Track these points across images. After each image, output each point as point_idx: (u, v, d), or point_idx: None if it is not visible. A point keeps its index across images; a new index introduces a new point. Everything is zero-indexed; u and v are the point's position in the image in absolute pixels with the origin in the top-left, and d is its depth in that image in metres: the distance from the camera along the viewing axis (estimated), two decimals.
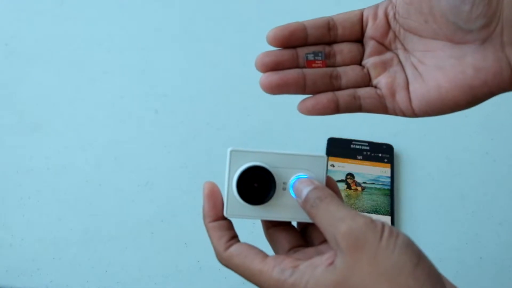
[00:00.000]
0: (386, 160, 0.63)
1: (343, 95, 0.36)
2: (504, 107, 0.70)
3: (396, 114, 0.36)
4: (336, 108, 0.35)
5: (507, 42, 0.31)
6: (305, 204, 0.32)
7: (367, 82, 0.37)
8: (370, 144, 0.65)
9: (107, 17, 0.83)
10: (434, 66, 0.34)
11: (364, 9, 0.37)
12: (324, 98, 0.35)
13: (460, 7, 0.31)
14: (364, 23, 0.37)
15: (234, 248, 0.32)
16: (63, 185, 0.63)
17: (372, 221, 0.29)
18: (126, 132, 0.68)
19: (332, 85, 0.36)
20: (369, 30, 0.36)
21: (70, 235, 0.59)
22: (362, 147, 0.64)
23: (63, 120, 0.69)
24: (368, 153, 0.64)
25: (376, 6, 0.37)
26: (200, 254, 0.57)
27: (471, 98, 0.34)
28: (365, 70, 0.37)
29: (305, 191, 0.33)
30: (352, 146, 0.65)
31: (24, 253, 0.57)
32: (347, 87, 0.36)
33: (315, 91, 0.35)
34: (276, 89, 0.34)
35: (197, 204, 0.61)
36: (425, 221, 0.60)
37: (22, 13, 0.83)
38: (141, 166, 0.65)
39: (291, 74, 0.35)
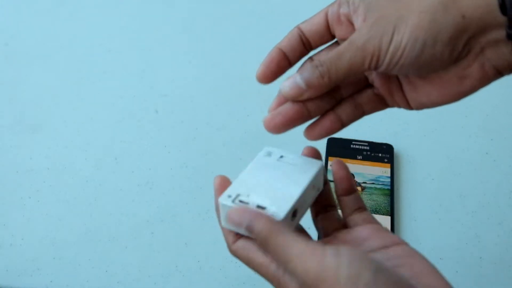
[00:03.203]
0: (386, 160, 0.63)
1: (344, 110, 0.36)
2: (504, 107, 0.70)
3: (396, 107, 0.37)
4: (342, 125, 0.36)
5: (485, 45, 0.30)
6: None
7: (364, 82, 0.37)
8: (370, 144, 0.65)
9: (107, 17, 0.83)
10: (420, 78, 0.34)
11: (328, 10, 0.36)
12: (327, 121, 0.36)
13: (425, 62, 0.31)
14: (331, 30, 0.36)
15: (241, 243, 0.33)
16: (63, 185, 0.63)
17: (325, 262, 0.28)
18: (126, 132, 0.68)
19: (335, 99, 0.36)
20: (339, 33, 0.36)
21: (70, 235, 0.59)
22: (362, 147, 0.64)
23: (63, 120, 0.69)
24: (368, 153, 0.64)
25: (339, 5, 0.35)
26: (200, 254, 0.57)
27: (463, 97, 0.34)
28: None
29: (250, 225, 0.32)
30: (352, 146, 0.65)
31: (24, 253, 0.57)
32: (347, 95, 0.36)
33: (320, 113, 0.36)
34: (283, 128, 0.34)
35: (197, 204, 0.61)
36: (425, 221, 0.60)
37: (22, 13, 0.83)
38: (141, 166, 0.65)
39: (292, 108, 0.34)
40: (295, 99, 0.34)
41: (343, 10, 0.35)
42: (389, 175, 0.62)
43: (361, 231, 0.35)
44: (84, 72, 0.75)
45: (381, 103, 0.37)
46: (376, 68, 0.32)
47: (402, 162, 0.64)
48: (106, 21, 0.82)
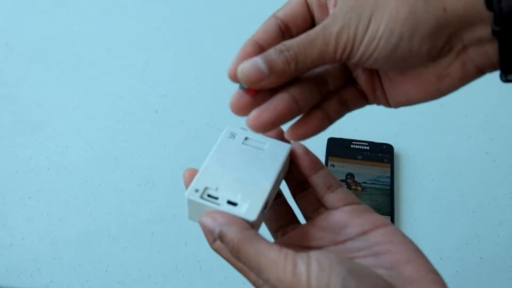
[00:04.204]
0: (386, 160, 0.63)
1: (332, 106, 0.33)
2: (504, 107, 0.70)
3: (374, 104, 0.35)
4: (329, 122, 0.34)
5: (468, 43, 0.28)
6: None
7: (347, 76, 0.34)
8: (370, 144, 0.65)
9: (107, 17, 0.83)
10: (397, 74, 0.32)
11: None
12: (315, 120, 0.33)
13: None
14: (312, 14, 0.33)
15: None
16: (63, 185, 0.63)
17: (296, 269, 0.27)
18: (126, 132, 0.68)
19: (321, 93, 0.33)
20: (318, 17, 0.32)
21: (70, 235, 0.59)
22: (362, 147, 0.64)
23: (63, 120, 0.69)
24: (368, 153, 0.64)
25: None
26: (200, 254, 0.57)
27: (442, 96, 0.31)
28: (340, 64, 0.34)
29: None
30: (352, 146, 0.65)
31: (24, 253, 0.57)
32: (334, 89, 0.34)
33: (308, 108, 0.33)
34: (271, 126, 0.31)
35: None
36: (425, 221, 0.60)
37: (22, 13, 0.83)
38: (141, 166, 0.65)
39: (280, 102, 0.31)
40: (252, 85, 0.30)
41: None
42: (389, 175, 0.62)
43: (338, 216, 0.33)
44: (84, 72, 0.75)
45: (363, 100, 0.34)
46: (348, 59, 0.29)
47: (402, 162, 0.64)
48: (106, 21, 0.82)
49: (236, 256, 0.30)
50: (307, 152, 0.35)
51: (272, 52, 0.29)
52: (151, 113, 0.70)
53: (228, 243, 0.30)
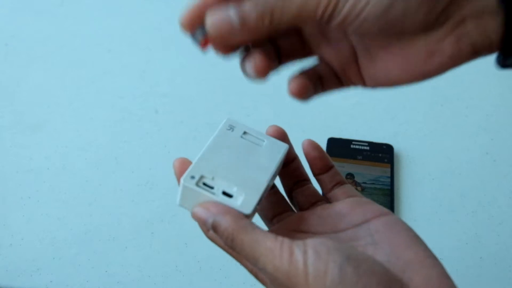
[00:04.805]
0: (386, 160, 0.63)
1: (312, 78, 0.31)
2: (504, 107, 0.70)
3: (349, 87, 0.32)
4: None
5: (468, 13, 0.25)
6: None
7: (306, 52, 0.32)
8: (370, 144, 0.65)
9: (107, 17, 0.83)
10: (381, 47, 0.28)
11: None
12: (305, 83, 0.30)
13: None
14: None
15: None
16: (63, 185, 0.63)
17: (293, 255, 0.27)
18: (126, 132, 0.68)
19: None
20: None
21: (70, 235, 0.59)
22: (362, 147, 0.64)
23: (63, 120, 0.69)
24: (368, 153, 0.64)
25: None
26: (200, 254, 0.57)
27: (424, 79, 0.28)
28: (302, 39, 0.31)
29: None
30: (352, 146, 0.65)
31: (24, 253, 0.57)
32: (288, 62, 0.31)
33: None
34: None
35: None
36: (425, 221, 0.60)
37: (22, 13, 0.83)
38: (141, 166, 0.65)
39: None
40: (219, 40, 0.26)
41: None
42: (389, 175, 0.62)
43: (341, 206, 0.33)
44: (84, 72, 0.75)
45: (335, 81, 0.31)
46: (330, 19, 0.25)
47: (402, 162, 0.64)
48: (106, 21, 0.82)
49: (230, 246, 0.29)
50: (324, 154, 0.35)
51: (247, 3, 0.26)
52: (151, 113, 0.70)
53: (222, 233, 0.29)
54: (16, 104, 0.71)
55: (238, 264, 0.34)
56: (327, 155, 0.36)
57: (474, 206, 0.61)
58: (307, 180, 0.37)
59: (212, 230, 0.30)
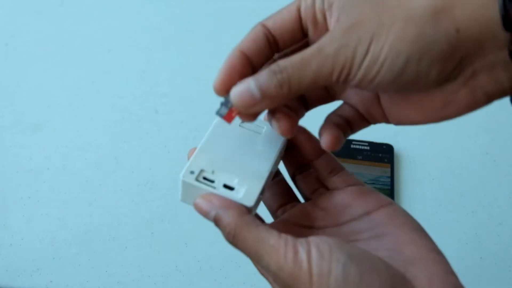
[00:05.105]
0: (386, 160, 0.63)
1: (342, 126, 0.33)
2: (504, 107, 0.70)
3: (375, 124, 0.34)
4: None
5: (480, 68, 0.26)
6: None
7: (330, 98, 0.34)
8: (370, 144, 0.65)
9: (107, 17, 0.83)
10: (400, 96, 0.30)
11: (301, 4, 0.30)
12: (336, 134, 0.32)
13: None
14: (304, 28, 0.30)
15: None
16: (63, 185, 0.63)
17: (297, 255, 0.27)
18: (126, 132, 0.68)
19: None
20: (313, 34, 0.30)
21: (70, 235, 0.59)
22: (362, 147, 0.64)
23: (63, 120, 0.69)
24: (368, 153, 0.64)
25: (313, 2, 0.29)
26: (200, 254, 0.57)
27: (446, 120, 0.29)
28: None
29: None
30: (352, 146, 0.65)
31: (24, 253, 0.57)
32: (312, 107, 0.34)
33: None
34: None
35: None
36: (425, 221, 0.60)
37: (22, 13, 0.83)
38: (141, 166, 0.65)
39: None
40: (245, 111, 0.29)
41: (318, 5, 0.29)
42: (389, 175, 0.62)
43: (342, 196, 0.33)
44: (84, 72, 0.75)
45: (362, 121, 0.33)
46: (345, 82, 0.27)
47: (402, 162, 0.64)
48: (106, 21, 0.82)
49: (231, 242, 0.29)
50: (311, 137, 0.35)
51: (264, 74, 0.28)
52: (151, 113, 0.70)
53: (224, 228, 0.29)
54: (16, 104, 0.71)
55: (238, 264, 0.34)
56: (315, 138, 0.35)
57: (474, 206, 0.61)
58: (309, 165, 0.37)
59: (214, 223, 0.30)
